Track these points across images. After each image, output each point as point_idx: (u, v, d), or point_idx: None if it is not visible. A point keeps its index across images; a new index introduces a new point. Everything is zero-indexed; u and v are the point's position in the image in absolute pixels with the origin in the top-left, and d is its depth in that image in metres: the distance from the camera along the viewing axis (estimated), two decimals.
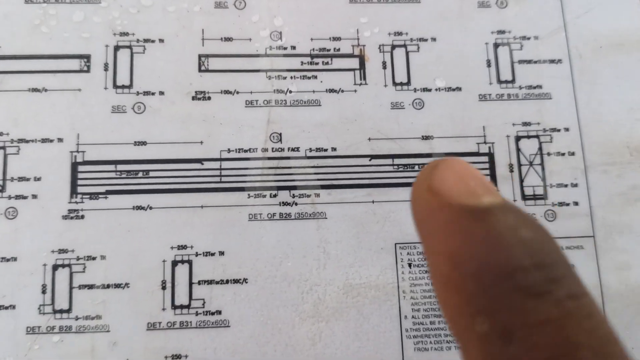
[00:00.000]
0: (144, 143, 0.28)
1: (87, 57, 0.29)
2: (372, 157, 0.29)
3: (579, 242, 0.28)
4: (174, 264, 0.27)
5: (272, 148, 0.28)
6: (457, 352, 0.27)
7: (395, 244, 0.28)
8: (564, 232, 0.28)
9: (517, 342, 0.12)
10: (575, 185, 0.29)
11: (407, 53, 0.30)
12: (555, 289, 0.12)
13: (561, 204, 0.29)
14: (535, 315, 0.12)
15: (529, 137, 0.29)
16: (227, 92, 0.29)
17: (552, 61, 0.30)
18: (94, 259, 0.27)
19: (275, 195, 0.28)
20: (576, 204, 0.29)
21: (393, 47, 0.30)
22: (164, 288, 0.27)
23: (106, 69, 0.28)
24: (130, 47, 0.29)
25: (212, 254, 0.27)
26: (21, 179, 0.27)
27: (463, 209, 0.13)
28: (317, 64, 0.29)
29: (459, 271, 0.13)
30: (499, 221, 0.13)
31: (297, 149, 0.28)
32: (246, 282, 0.27)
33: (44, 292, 0.26)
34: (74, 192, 0.27)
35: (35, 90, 0.28)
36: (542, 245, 0.13)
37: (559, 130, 0.29)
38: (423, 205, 0.15)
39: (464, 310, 0.13)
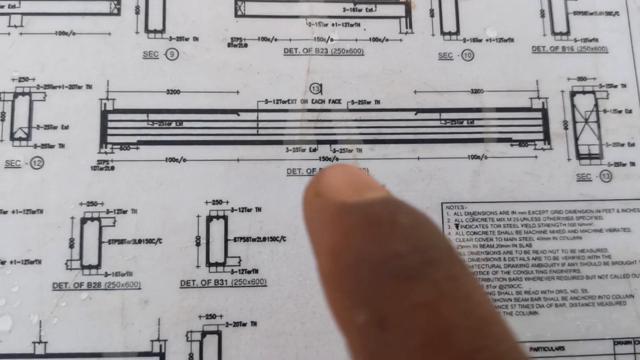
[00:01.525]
0: (177, 92, 0.26)
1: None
2: (418, 110, 0.27)
3: (636, 205, 0.27)
4: (209, 219, 0.25)
5: (312, 100, 0.27)
6: (505, 317, 0.25)
7: (442, 203, 0.26)
8: (619, 194, 0.27)
9: (391, 329, 0.12)
10: (632, 144, 0.27)
11: (456, 0, 0.28)
12: (431, 271, 0.12)
13: (617, 164, 0.27)
14: (409, 299, 0.12)
15: (584, 92, 0.27)
16: (264, 39, 0.27)
17: (609, 13, 0.28)
18: (124, 212, 0.25)
19: (315, 150, 0.26)
20: (633, 164, 0.27)
21: None
22: (198, 244, 0.25)
23: (137, 12, 0.27)
24: None
25: (249, 210, 0.26)
26: (48, 127, 0.26)
27: (344, 206, 0.14)
28: (360, 10, 0.28)
29: (338, 266, 0.13)
30: (376, 211, 0.13)
31: (339, 101, 0.27)
32: (284, 240, 0.25)
33: (71, 246, 0.25)
34: (103, 141, 0.26)
35: (63, 33, 0.26)
36: (419, 229, 0.13)
37: (615, 87, 0.28)
38: (311, 209, 0.15)
39: (345, 304, 0.13)
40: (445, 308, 0.12)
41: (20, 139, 0.26)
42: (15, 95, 0.26)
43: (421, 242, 0.13)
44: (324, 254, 0.14)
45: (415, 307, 0.12)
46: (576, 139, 0.27)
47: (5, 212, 0.25)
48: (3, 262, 0.25)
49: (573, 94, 0.27)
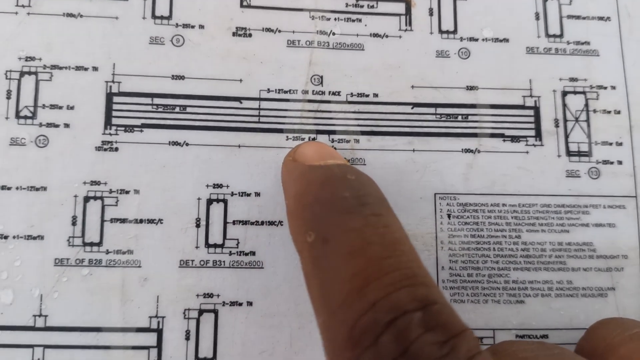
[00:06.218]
0: (181, 77, 0.27)
1: None
2: (415, 105, 0.28)
3: (621, 202, 0.28)
4: (209, 202, 0.26)
5: (313, 91, 0.27)
6: (493, 305, 0.26)
7: (435, 194, 0.27)
8: (607, 191, 0.28)
9: (330, 244, 0.17)
10: (620, 144, 0.28)
11: (454, 0, 0.29)
12: (363, 209, 0.17)
13: (605, 162, 0.28)
14: (345, 225, 0.17)
15: (575, 92, 0.29)
16: (268, 30, 0.28)
17: (600, 18, 0.29)
18: (127, 192, 0.26)
19: (314, 139, 0.27)
20: (620, 163, 0.28)
21: None
22: (198, 226, 0.26)
23: None
24: None
25: (248, 195, 0.26)
26: (53, 106, 0.26)
27: (310, 167, 0.20)
28: (362, 6, 0.28)
29: (299, 204, 0.19)
30: (332, 170, 0.19)
31: (338, 93, 0.28)
32: (282, 225, 0.26)
33: (74, 223, 0.25)
34: (108, 123, 0.26)
35: (70, 15, 0.27)
36: (360, 184, 0.19)
37: (605, 88, 0.29)
38: (287, 169, 0.22)
39: (301, 229, 0.18)
40: (368, 232, 0.17)
41: (25, 117, 0.26)
42: (22, 74, 0.26)
43: (360, 191, 0.18)
44: (291, 197, 0.20)
45: (348, 230, 0.17)
46: (566, 136, 0.28)
47: (9, 188, 0.25)
48: (6, 237, 0.25)
49: (564, 93, 0.28)
